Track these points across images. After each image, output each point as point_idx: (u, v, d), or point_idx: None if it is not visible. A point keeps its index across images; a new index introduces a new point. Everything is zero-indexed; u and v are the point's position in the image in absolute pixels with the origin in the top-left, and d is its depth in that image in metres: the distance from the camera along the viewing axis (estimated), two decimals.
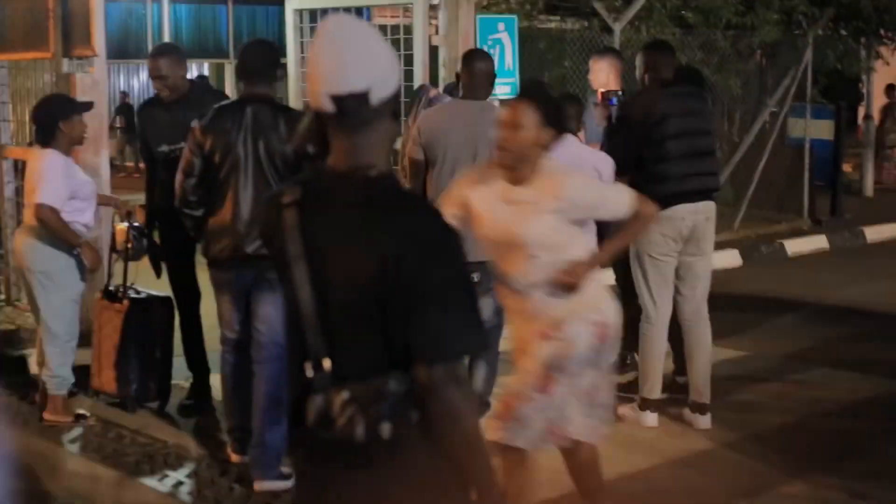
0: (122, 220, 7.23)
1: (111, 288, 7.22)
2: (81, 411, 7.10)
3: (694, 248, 7.05)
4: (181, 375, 7.46)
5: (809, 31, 15.17)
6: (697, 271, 7.12)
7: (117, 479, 6.25)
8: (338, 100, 2.71)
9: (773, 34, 14.88)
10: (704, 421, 7.10)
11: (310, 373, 2.71)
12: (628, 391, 7.46)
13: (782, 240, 13.95)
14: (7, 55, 9.15)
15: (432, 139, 6.57)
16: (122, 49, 16.24)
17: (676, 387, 7.46)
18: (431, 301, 2.62)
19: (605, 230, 7.53)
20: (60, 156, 6.82)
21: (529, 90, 5.24)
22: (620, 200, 4.99)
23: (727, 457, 6.63)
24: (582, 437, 5.10)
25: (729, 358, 8.70)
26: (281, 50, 7.03)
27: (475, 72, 6.71)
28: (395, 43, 10.87)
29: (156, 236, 7.32)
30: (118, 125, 22.44)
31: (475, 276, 6.47)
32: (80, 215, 6.85)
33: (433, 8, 10.58)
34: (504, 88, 10.76)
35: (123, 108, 23.11)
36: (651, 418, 7.08)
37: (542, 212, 4.83)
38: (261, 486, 5.92)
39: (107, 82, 8.95)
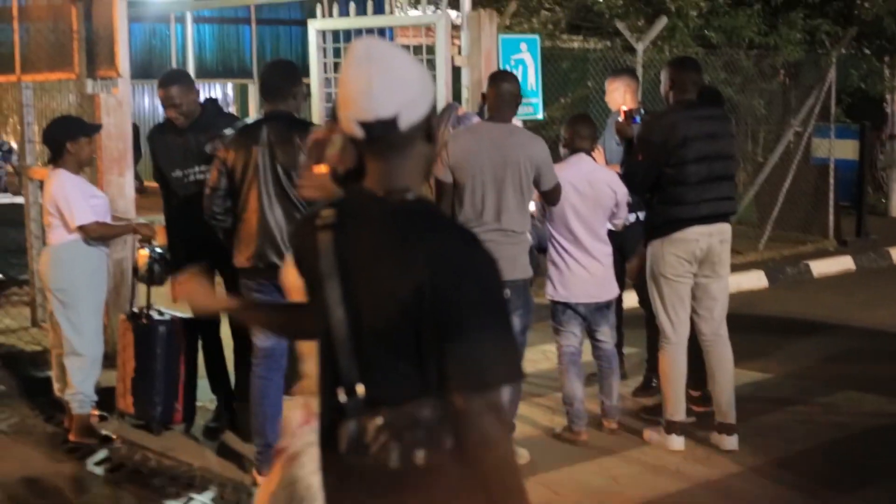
0: (142, 246, 7.23)
1: (135, 310, 7.21)
2: (107, 433, 7.09)
3: (709, 270, 7.00)
4: (206, 397, 7.45)
5: (832, 51, 15.13)
6: (713, 293, 7.08)
7: (142, 501, 6.22)
8: (366, 126, 2.69)
9: (796, 53, 14.86)
10: (731, 442, 7.05)
11: (342, 398, 2.68)
12: (654, 414, 7.43)
13: (808, 261, 13.87)
14: (32, 76, 9.18)
15: (461, 161, 6.54)
16: (147, 69, 16.27)
17: (690, 398, 7.38)
18: (467, 328, 2.58)
19: (623, 243, 7.55)
20: (70, 174, 6.96)
21: None
22: None
23: (753, 481, 6.57)
24: None
25: (754, 380, 8.64)
26: (302, 69, 7.09)
27: (502, 93, 6.68)
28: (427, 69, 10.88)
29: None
30: None
31: (505, 294, 6.48)
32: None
33: (456, 28, 10.58)
34: (527, 109, 10.76)
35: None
36: (677, 442, 7.02)
37: None
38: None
39: (131, 103, 8.98)
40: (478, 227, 6.46)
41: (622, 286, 7.79)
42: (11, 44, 9.16)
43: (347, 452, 2.66)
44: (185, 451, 6.94)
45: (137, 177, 17.42)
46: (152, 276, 7.08)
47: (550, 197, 6.85)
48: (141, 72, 15.19)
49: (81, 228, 6.87)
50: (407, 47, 11.20)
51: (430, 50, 10.18)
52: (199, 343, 7.28)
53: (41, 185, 9.08)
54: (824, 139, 15.49)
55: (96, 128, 7.46)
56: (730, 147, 7.17)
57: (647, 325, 7.84)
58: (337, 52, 11.08)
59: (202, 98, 7.41)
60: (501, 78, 6.85)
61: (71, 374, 6.96)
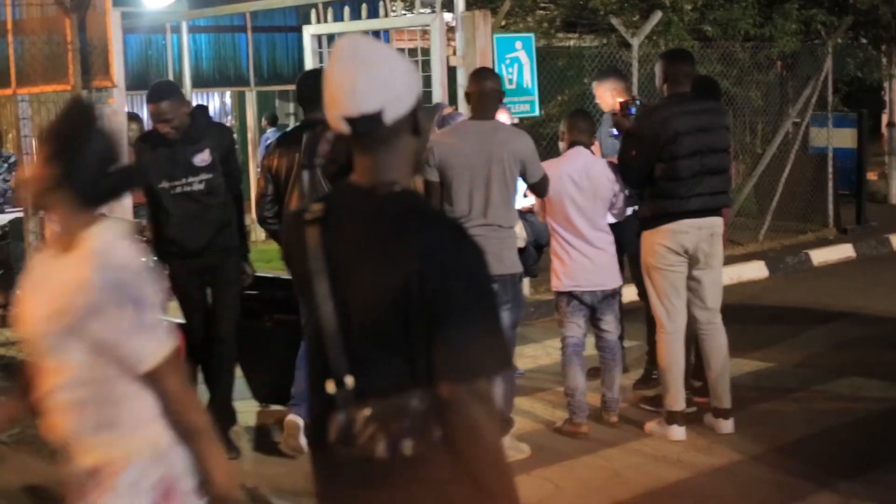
0: None
1: None
2: None
3: (701, 262, 7.05)
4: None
5: (828, 41, 15.14)
6: (706, 284, 7.14)
7: None
8: (351, 121, 2.72)
9: (792, 44, 14.86)
10: (727, 426, 7.11)
11: (332, 390, 2.70)
12: (654, 406, 7.46)
13: (808, 250, 13.89)
14: (27, 89, 9.21)
15: (447, 160, 6.59)
16: (143, 80, 16.30)
17: (692, 389, 7.43)
18: (455, 319, 2.61)
19: (620, 237, 7.58)
20: None
21: None
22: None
23: (756, 469, 6.59)
24: None
25: (755, 369, 8.67)
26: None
27: (484, 91, 6.73)
28: (414, 65, 10.92)
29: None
30: None
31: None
32: None
33: (451, 29, 10.63)
34: (524, 107, 10.81)
35: None
36: (678, 432, 7.05)
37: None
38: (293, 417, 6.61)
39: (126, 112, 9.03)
40: (466, 224, 6.50)
41: (621, 282, 7.82)
42: (6, 57, 9.19)
43: (336, 444, 2.69)
44: None
45: None
46: None
47: (538, 189, 6.91)
48: (138, 82, 15.23)
49: None
50: (402, 50, 11.26)
51: (426, 52, 10.24)
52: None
53: None
54: (822, 128, 15.51)
55: None
56: (723, 140, 7.19)
57: (647, 317, 7.87)
58: (320, 57, 11.14)
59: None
60: (483, 76, 6.89)
61: None
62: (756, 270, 12.95)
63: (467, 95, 6.88)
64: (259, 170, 7.29)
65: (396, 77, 2.76)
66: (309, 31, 11.20)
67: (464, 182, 6.57)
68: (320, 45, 11.14)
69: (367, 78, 2.71)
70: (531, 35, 11.29)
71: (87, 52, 8.37)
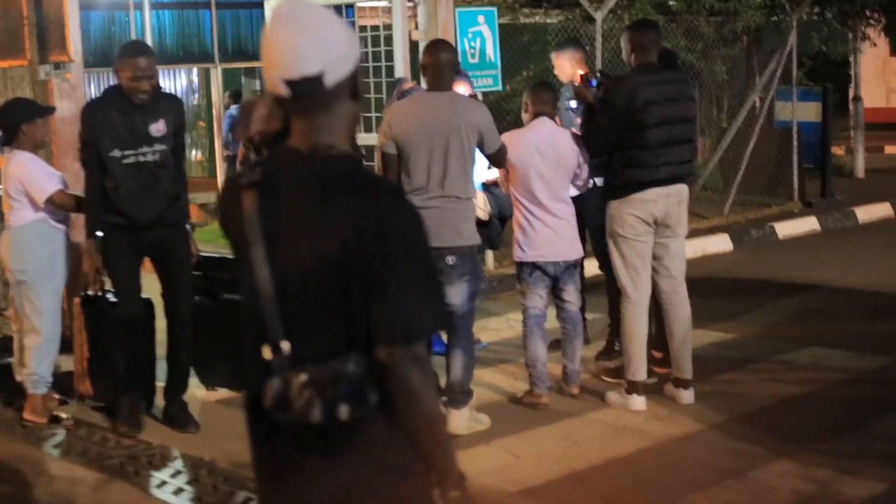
0: None
1: (89, 293, 7.16)
2: (58, 413, 7.10)
3: (668, 230, 7.05)
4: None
5: (793, 15, 15.14)
6: (673, 251, 7.16)
7: (101, 481, 6.20)
8: (291, 84, 2.69)
9: (756, 18, 14.87)
10: (688, 395, 7.14)
11: (268, 355, 2.68)
12: (617, 377, 7.46)
13: (773, 223, 13.92)
14: None
15: (403, 131, 6.58)
16: (107, 57, 16.16)
17: (653, 360, 7.45)
18: (391, 282, 2.60)
19: (583, 209, 7.57)
20: (26, 153, 7.02)
21: None
22: None
23: (716, 438, 6.60)
24: None
25: (718, 341, 8.69)
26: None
27: (440, 62, 6.71)
28: (377, 40, 10.86)
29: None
30: None
31: (450, 260, 6.54)
32: (25, 206, 7.01)
33: (414, 6, 10.57)
34: (486, 81, 10.77)
35: None
36: (639, 402, 7.05)
37: None
38: None
39: (85, 88, 8.93)
40: (423, 195, 6.51)
41: (583, 253, 7.81)
42: None
43: (272, 410, 2.66)
44: (145, 429, 6.90)
45: None
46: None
47: (496, 159, 6.91)
48: (101, 59, 15.14)
49: (50, 200, 6.89)
50: (364, 28, 11.20)
51: (390, 28, 10.18)
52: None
53: None
54: (787, 103, 15.52)
55: (50, 109, 7.49)
56: (690, 110, 7.22)
57: (609, 289, 7.89)
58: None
59: None
60: (438, 47, 6.87)
61: (28, 356, 6.99)
62: (720, 244, 12.97)
63: (423, 68, 6.85)
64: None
65: (337, 40, 2.74)
66: (270, 6, 11.11)
67: (421, 154, 6.54)
68: None
69: (308, 40, 2.68)
70: (493, 9, 11.23)
71: (44, 27, 8.27)
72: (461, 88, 7.89)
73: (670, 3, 14.64)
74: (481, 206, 7.78)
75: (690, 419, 6.89)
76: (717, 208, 14.44)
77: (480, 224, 7.65)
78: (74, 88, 8.29)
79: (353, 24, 11.82)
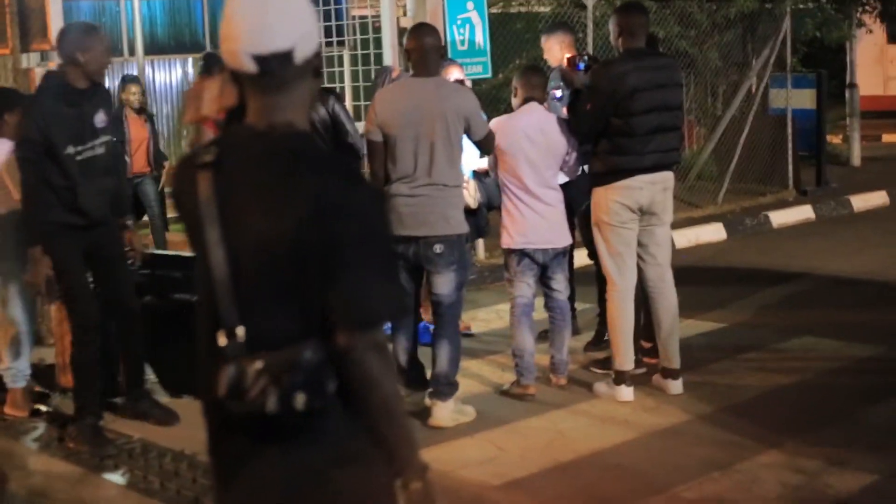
0: None
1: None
2: (39, 406, 7.02)
3: (654, 217, 6.96)
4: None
5: (787, 0, 15.02)
6: (658, 238, 7.07)
7: (80, 475, 6.12)
8: (260, 59, 2.60)
9: (750, 4, 14.76)
10: (675, 386, 7.05)
11: (222, 341, 2.59)
12: (605, 368, 7.38)
13: (767, 212, 13.81)
14: None
15: (389, 118, 6.48)
16: None
17: (641, 350, 7.37)
18: (349, 265, 2.52)
19: (571, 197, 7.46)
20: (6, 142, 6.83)
21: None
22: None
23: (703, 429, 6.51)
24: None
25: (709, 330, 8.61)
26: None
27: (424, 46, 6.60)
28: (365, 28, 10.78)
29: None
30: None
31: (438, 248, 6.46)
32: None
33: None
34: (476, 68, 10.67)
35: None
36: (626, 392, 6.97)
37: None
38: None
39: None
40: (410, 183, 6.43)
41: (572, 241, 7.72)
42: None
43: (227, 398, 2.57)
44: (125, 423, 6.81)
45: None
46: None
47: (483, 146, 6.81)
48: None
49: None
50: (363, 17, 11.10)
51: (379, 17, 10.11)
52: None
53: None
54: (781, 90, 15.41)
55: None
56: (678, 97, 7.13)
57: (598, 278, 7.77)
58: None
59: None
60: (422, 31, 6.75)
61: (4, 349, 6.88)
62: (714, 233, 12.87)
63: (407, 52, 6.75)
64: None
65: (306, 14, 2.67)
66: None
67: (407, 141, 6.45)
68: None
69: (279, 13, 2.60)
70: None
71: (25, 15, 8.19)
72: (454, 73, 7.79)
73: None
74: (471, 194, 7.69)
75: (678, 410, 6.80)
76: (712, 197, 14.34)
77: (469, 212, 7.58)
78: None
79: (345, 11, 11.74)
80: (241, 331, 2.58)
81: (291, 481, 2.62)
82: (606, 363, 7.37)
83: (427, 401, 6.68)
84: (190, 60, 20.44)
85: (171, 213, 10.80)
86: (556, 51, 8.15)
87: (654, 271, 7.05)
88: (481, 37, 10.73)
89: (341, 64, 11.06)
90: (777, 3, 15.24)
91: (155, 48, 15.74)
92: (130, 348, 6.83)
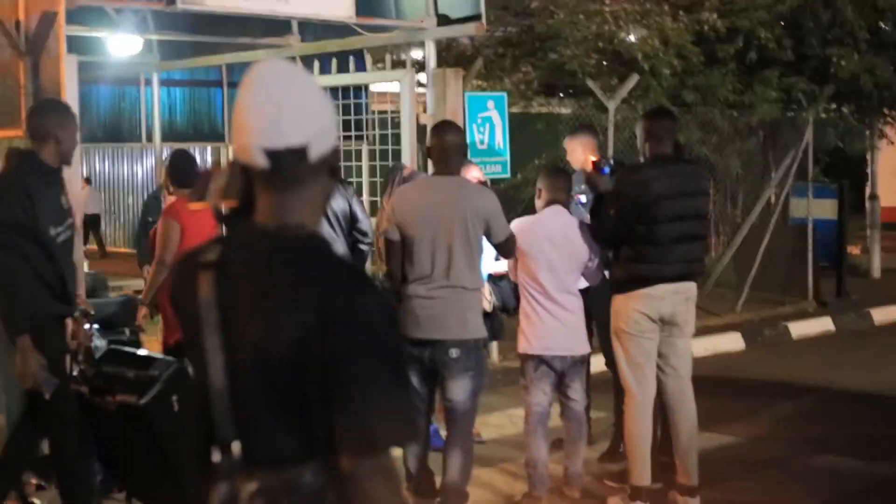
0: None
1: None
2: (33, 500, 6.75)
3: (675, 328, 6.74)
4: None
5: (809, 110, 14.93)
6: (679, 350, 6.84)
7: None
8: (273, 155, 2.42)
9: (771, 112, 14.69)
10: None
11: (216, 457, 2.38)
12: (620, 482, 7.11)
13: (787, 322, 13.60)
14: None
15: (407, 217, 6.30)
16: (116, 132, 16.07)
17: (658, 464, 7.07)
18: (358, 385, 2.31)
19: (592, 305, 7.25)
20: None
21: None
22: None
23: None
24: None
25: (727, 444, 8.34)
26: None
27: (446, 145, 6.42)
28: (384, 123, 10.68)
29: None
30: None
31: (454, 353, 6.23)
32: None
33: (423, 86, 10.41)
34: (495, 168, 10.54)
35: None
36: None
37: None
38: None
39: (81, 162, 8.69)
40: (427, 284, 6.24)
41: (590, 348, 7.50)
42: None
43: None
44: None
45: (101, 242, 17.12)
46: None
47: (504, 249, 6.60)
48: (111, 134, 14.96)
49: None
50: (382, 112, 11.02)
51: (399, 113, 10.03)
52: None
53: None
54: (802, 199, 15.26)
55: None
56: (704, 206, 6.97)
57: (616, 387, 7.54)
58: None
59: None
60: (444, 129, 6.59)
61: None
62: (733, 342, 12.63)
63: (428, 150, 6.59)
64: None
65: (324, 110, 2.50)
66: None
67: (425, 241, 6.26)
68: None
69: (294, 107, 2.43)
70: (503, 94, 11.03)
71: (40, 97, 8.05)
72: (473, 173, 7.63)
73: (684, 94, 14.44)
74: (486, 297, 7.50)
75: None
76: (730, 305, 14.11)
77: (485, 315, 7.37)
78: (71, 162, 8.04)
79: (365, 106, 11.68)
80: (236, 447, 2.38)
81: None
82: (622, 476, 7.11)
83: None
84: (209, 149, 20.46)
85: None
86: (579, 153, 7.99)
87: (675, 384, 6.82)
88: (501, 136, 10.61)
89: (360, 158, 10.94)
90: (799, 111, 15.15)
91: (174, 135, 15.71)
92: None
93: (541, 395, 6.92)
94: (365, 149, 10.80)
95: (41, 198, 5.90)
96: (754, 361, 11.90)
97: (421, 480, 6.58)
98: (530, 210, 7.36)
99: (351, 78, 10.39)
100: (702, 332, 12.22)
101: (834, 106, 16.77)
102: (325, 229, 6.57)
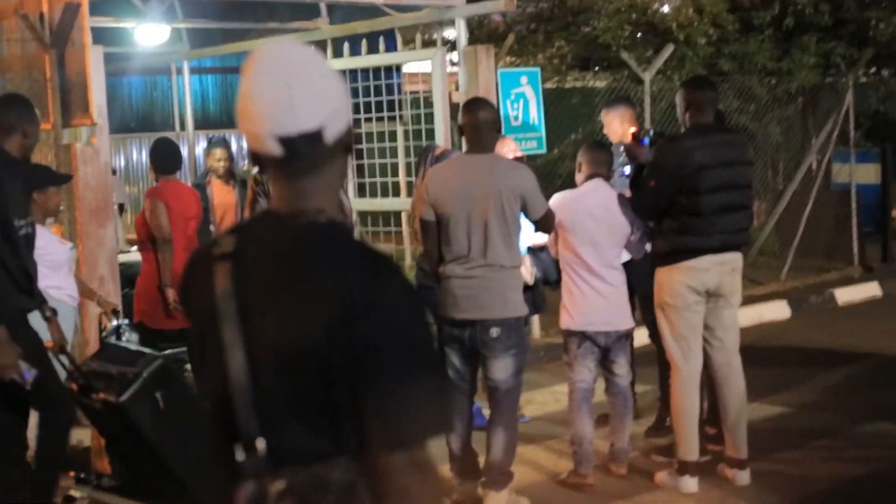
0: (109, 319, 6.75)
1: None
2: (71, 494, 6.69)
3: (721, 300, 6.60)
4: None
5: (849, 74, 14.68)
6: (726, 321, 6.69)
7: None
8: (287, 142, 2.30)
9: (811, 78, 14.45)
10: (743, 476, 6.66)
11: (240, 456, 2.27)
12: (667, 455, 6.99)
13: (832, 289, 13.41)
14: None
15: (441, 197, 6.19)
16: (148, 122, 16.05)
17: (706, 436, 6.94)
18: (388, 376, 2.20)
19: (634, 278, 7.12)
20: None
21: None
22: None
23: None
24: None
25: (775, 414, 8.20)
26: None
27: (477, 122, 6.29)
28: (418, 102, 10.56)
29: None
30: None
31: (494, 332, 6.13)
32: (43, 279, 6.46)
33: (456, 64, 10.28)
34: (530, 143, 10.40)
35: None
36: (690, 483, 6.58)
37: None
38: None
39: (111, 153, 8.62)
40: (465, 264, 6.14)
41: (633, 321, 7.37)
42: None
43: None
44: None
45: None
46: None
47: (542, 225, 6.46)
48: (144, 124, 14.92)
49: None
50: (416, 92, 10.89)
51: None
52: None
53: None
54: (844, 164, 15.03)
55: (66, 178, 7.04)
56: (747, 175, 6.79)
57: (660, 361, 7.42)
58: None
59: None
60: (475, 106, 6.44)
61: (32, 434, 6.57)
62: (778, 311, 12.46)
63: (460, 128, 6.47)
64: None
65: (335, 88, 2.37)
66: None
67: (460, 220, 6.15)
68: None
69: (305, 90, 2.30)
70: (537, 69, 10.87)
71: (67, 89, 7.99)
72: (508, 148, 7.50)
73: (721, 62, 14.23)
74: (527, 269, 7.40)
75: (746, 502, 6.41)
76: (774, 274, 13.93)
77: (526, 288, 7.28)
78: (98, 152, 7.98)
79: (399, 86, 11.57)
80: (261, 444, 2.26)
81: None
82: (669, 450, 6.99)
83: (479, 491, 6.34)
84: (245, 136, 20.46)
85: None
86: (617, 125, 7.85)
87: (722, 356, 6.68)
88: (535, 112, 10.47)
89: (395, 139, 10.83)
90: (839, 76, 14.90)
91: (207, 123, 15.66)
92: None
93: (585, 372, 6.80)
94: (400, 129, 10.69)
95: (11, 190, 5.79)
96: (800, 329, 11.72)
97: (464, 461, 6.48)
98: (569, 185, 7.23)
99: (381, 59, 10.24)
100: (747, 301, 12.00)
101: (874, 69, 16.48)
102: None
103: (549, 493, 6.68)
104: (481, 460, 6.44)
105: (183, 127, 13.69)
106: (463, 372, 6.35)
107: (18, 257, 5.78)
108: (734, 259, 6.64)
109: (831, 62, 14.86)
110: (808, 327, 11.82)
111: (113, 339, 6.41)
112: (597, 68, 15.86)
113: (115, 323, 6.58)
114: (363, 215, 10.94)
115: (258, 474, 2.24)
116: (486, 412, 6.58)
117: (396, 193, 10.89)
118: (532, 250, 7.55)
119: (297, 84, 2.30)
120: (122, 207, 17.80)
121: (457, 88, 10.00)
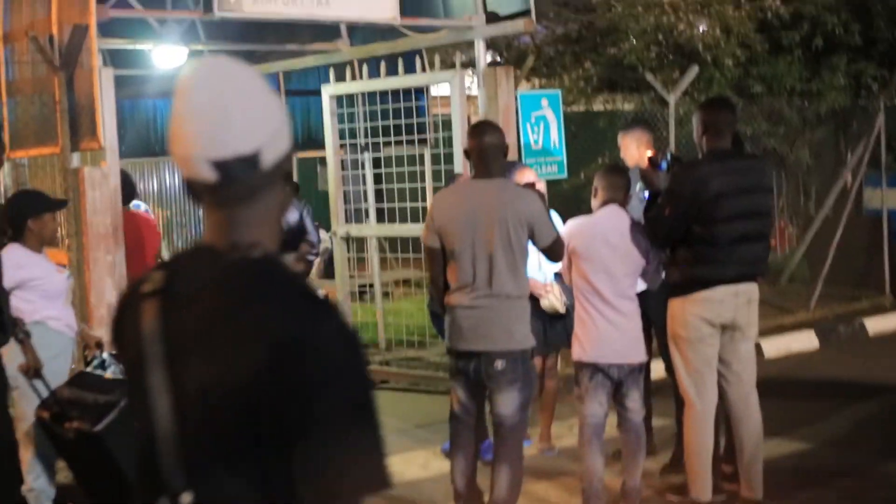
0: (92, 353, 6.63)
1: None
2: None
3: (737, 332, 6.38)
4: None
5: (880, 96, 14.40)
6: (742, 356, 6.48)
7: None
8: (221, 166, 2.12)
9: (841, 100, 14.19)
10: None
11: None
12: (681, 494, 6.77)
13: (863, 318, 13.09)
14: (21, 152, 8.75)
15: (446, 224, 6.02)
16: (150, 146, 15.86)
17: (722, 475, 6.71)
18: (319, 427, 2.02)
19: (650, 309, 6.90)
20: (20, 248, 6.44)
21: None
22: None
23: None
24: None
25: (795, 451, 7.95)
26: None
27: (484, 147, 6.12)
28: (436, 125, 10.40)
29: None
30: None
31: (499, 365, 5.94)
32: (28, 306, 6.35)
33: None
34: (551, 168, 10.21)
35: None
36: None
37: None
38: None
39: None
40: (470, 293, 5.98)
41: (649, 354, 7.15)
42: (1, 119, 8.74)
43: None
44: None
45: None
46: None
47: (551, 254, 6.26)
48: (166, 147, 14.77)
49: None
50: (443, 115, 10.72)
51: None
52: None
53: None
54: (877, 188, 14.73)
55: (61, 204, 6.91)
56: (766, 203, 6.60)
57: (676, 394, 7.18)
58: (351, 117, 10.63)
59: None
60: (482, 130, 6.28)
61: (26, 468, 6.42)
62: (806, 341, 12.17)
63: (466, 153, 6.30)
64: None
65: (273, 108, 2.19)
66: (328, 92, 10.69)
67: (465, 247, 5.99)
68: (339, 106, 10.64)
69: (240, 109, 2.12)
70: (557, 92, 10.67)
71: (76, 113, 7.89)
72: (526, 177, 7.29)
73: (750, 84, 13.99)
74: (557, 297, 7.21)
75: None
76: (803, 302, 13.63)
77: (559, 317, 7.20)
78: (107, 177, 7.86)
79: (426, 109, 11.42)
80: (187, 498, 2.10)
81: None
82: (683, 489, 6.76)
83: None
84: None
85: None
86: (633, 149, 7.67)
87: (738, 392, 6.45)
88: (556, 135, 10.28)
89: (423, 163, 10.68)
90: (870, 98, 14.62)
91: None
92: None
93: (596, 406, 6.58)
94: (428, 153, 10.51)
95: None
96: (829, 361, 11.43)
97: (469, 499, 6.29)
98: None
99: (400, 81, 10.09)
100: (775, 330, 11.85)
101: None
102: None
103: None
104: (486, 498, 6.25)
105: None
106: (468, 405, 6.18)
107: None
108: (750, 290, 6.42)
109: (862, 83, 14.58)
110: (836, 359, 11.54)
111: (99, 373, 6.25)
112: (624, 91, 15.66)
113: (103, 356, 6.41)
114: (390, 241, 10.79)
115: None
116: None
117: (423, 219, 10.70)
118: (559, 276, 7.34)
119: (233, 103, 2.12)
120: None
121: (476, 112, 9.85)
